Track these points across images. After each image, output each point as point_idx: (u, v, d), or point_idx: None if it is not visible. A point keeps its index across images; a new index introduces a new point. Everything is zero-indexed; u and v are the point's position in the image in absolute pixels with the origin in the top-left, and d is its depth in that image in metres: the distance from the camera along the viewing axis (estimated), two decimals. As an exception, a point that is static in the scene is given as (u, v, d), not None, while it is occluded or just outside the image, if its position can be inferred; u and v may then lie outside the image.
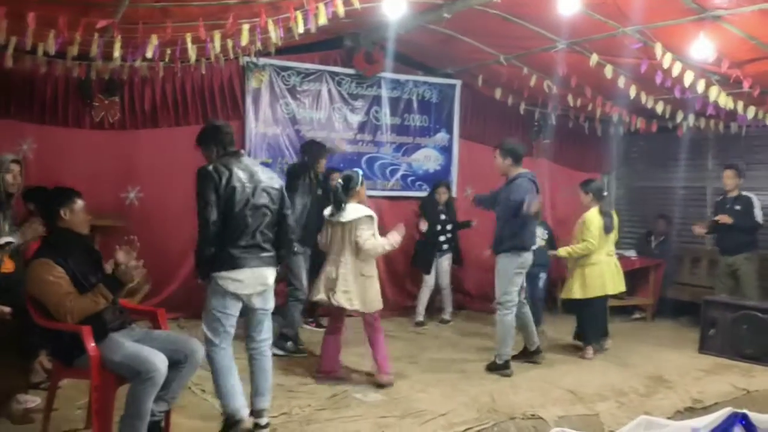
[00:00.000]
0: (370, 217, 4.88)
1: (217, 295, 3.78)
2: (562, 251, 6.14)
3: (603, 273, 6.10)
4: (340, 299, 4.83)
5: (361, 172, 5.11)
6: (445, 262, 7.37)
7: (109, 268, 3.69)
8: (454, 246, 7.45)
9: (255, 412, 3.94)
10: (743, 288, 6.82)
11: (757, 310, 6.02)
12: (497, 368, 5.42)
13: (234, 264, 3.75)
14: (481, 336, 6.82)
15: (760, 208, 6.82)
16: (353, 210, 4.87)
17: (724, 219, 6.78)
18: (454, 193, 8.03)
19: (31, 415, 3.96)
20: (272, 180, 4.01)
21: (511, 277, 5.39)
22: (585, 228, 6.01)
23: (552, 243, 7.35)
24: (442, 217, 7.31)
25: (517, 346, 5.79)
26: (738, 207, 6.84)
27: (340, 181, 4.96)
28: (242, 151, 4.08)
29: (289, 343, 5.67)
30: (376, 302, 4.94)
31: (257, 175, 3.91)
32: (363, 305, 4.87)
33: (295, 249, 5.30)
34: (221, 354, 3.80)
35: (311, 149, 6.01)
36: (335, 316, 5.11)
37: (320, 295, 4.96)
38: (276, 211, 3.98)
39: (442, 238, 7.29)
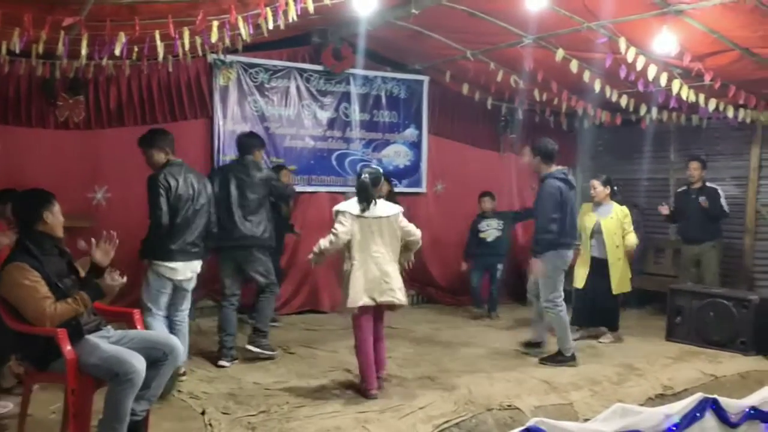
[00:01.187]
0: (402, 211, 4.81)
1: (156, 277, 4.65)
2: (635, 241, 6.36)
3: None
4: (401, 297, 4.59)
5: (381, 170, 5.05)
6: None
7: (80, 267, 3.65)
8: None
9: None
10: (704, 275, 7.06)
11: (723, 298, 6.18)
12: (564, 360, 5.48)
13: (171, 257, 4.62)
14: (453, 329, 6.87)
15: (725, 198, 7.10)
16: (387, 205, 4.72)
17: (663, 210, 7.30)
18: (424, 188, 8.09)
19: (4, 422, 3.89)
20: (204, 185, 4.85)
21: (560, 274, 5.53)
22: (630, 220, 6.29)
23: (508, 234, 7.60)
24: None
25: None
26: (703, 198, 7.03)
27: (366, 176, 4.65)
28: (181, 160, 4.79)
29: (265, 341, 5.57)
30: None
31: (193, 181, 4.73)
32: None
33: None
34: (158, 319, 4.66)
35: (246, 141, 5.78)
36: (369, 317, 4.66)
37: (362, 301, 4.49)
38: (208, 210, 4.84)
39: None
